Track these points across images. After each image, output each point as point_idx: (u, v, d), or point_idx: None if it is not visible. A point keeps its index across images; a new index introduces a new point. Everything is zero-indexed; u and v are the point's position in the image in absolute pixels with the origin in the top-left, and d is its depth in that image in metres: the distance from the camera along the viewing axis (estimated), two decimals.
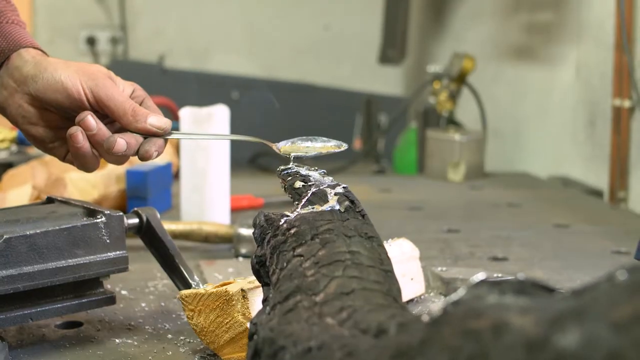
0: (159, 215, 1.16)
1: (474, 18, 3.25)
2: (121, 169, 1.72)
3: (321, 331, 0.72)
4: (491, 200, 2.07)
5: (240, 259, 1.48)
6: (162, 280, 1.33)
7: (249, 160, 2.73)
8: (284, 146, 1.05)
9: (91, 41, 3.57)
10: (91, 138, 1.02)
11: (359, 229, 0.87)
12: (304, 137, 1.05)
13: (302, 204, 0.91)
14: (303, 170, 0.98)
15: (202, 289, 1.00)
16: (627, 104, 2.26)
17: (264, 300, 0.87)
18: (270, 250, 0.88)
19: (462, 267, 1.38)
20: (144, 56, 3.55)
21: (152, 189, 1.73)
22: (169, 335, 1.09)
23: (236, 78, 3.42)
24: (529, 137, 2.88)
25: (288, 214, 0.89)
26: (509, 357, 0.50)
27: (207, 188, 1.64)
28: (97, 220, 1.04)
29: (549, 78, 2.76)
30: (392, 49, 3.36)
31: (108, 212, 1.05)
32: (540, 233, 1.69)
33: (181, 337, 1.08)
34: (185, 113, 1.61)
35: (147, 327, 1.12)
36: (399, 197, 2.10)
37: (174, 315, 1.17)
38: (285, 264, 0.85)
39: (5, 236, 0.97)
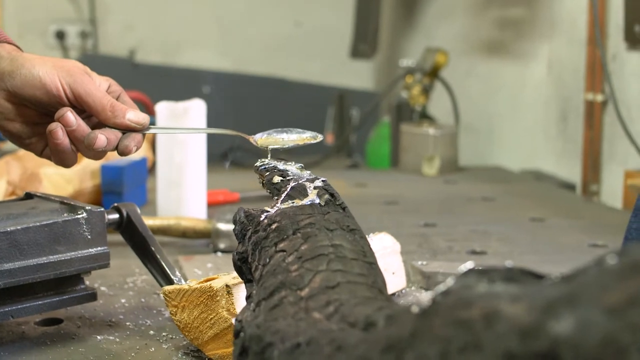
0: (139, 211, 1.15)
1: (446, 13, 3.26)
2: (96, 164, 1.71)
3: (308, 326, 0.71)
4: (466, 194, 2.08)
5: (219, 254, 1.47)
6: (140, 276, 1.32)
7: (221, 154, 2.71)
8: (260, 138, 1.05)
9: (60, 35, 3.52)
10: (70, 134, 1.02)
11: (340, 222, 0.87)
12: (279, 129, 1.05)
13: (281, 199, 0.91)
14: (281, 165, 0.98)
15: (185, 285, 1.00)
16: (599, 98, 2.28)
17: (248, 297, 0.86)
18: (251, 246, 0.87)
19: (442, 261, 1.38)
20: (114, 50, 3.52)
21: (127, 184, 1.72)
22: (151, 332, 1.08)
23: (207, 72, 3.40)
24: (501, 131, 2.90)
25: (268, 209, 0.89)
26: (502, 345, 0.50)
27: (184, 183, 1.63)
28: (78, 216, 1.03)
29: (521, 73, 2.77)
30: (363, 43, 3.36)
31: (89, 207, 1.04)
32: (516, 227, 1.70)
33: (163, 334, 1.07)
34: (162, 107, 1.60)
35: (128, 323, 1.11)
36: (375, 192, 2.10)
37: (154, 311, 1.16)
38: (267, 260, 0.85)
39: None
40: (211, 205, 1.78)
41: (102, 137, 1.01)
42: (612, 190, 2.24)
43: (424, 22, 3.44)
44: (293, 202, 0.90)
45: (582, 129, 2.37)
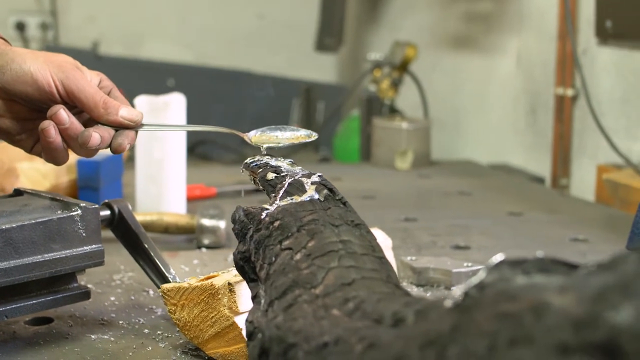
0: (130, 207, 1.13)
1: (411, 6, 3.26)
2: (72, 159, 1.68)
3: (332, 325, 0.70)
4: (441, 188, 2.08)
5: (204, 250, 1.45)
6: (126, 273, 1.30)
7: (188, 149, 2.68)
8: (254, 136, 1.03)
9: (20, 27, 3.47)
10: (63, 132, 0.99)
11: (344, 217, 0.87)
12: (273, 127, 1.05)
13: (280, 196, 0.90)
14: (273, 161, 0.97)
15: (185, 283, 0.98)
16: (570, 92, 2.29)
17: (254, 297, 0.85)
18: (254, 245, 0.86)
19: (428, 256, 1.38)
20: (75, 42, 3.46)
21: (104, 179, 1.69)
22: (145, 330, 1.06)
23: (172, 65, 3.36)
24: (469, 125, 2.91)
25: (267, 207, 0.87)
26: (555, 338, 0.49)
27: (164, 178, 1.60)
28: (73, 213, 1.01)
29: (489, 67, 2.79)
30: (329, 36, 3.35)
31: (84, 204, 1.02)
32: (496, 221, 1.70)
33: (158, 332, 1.06)
34: (142, 102, 1.58)
35: (121, 322, 1.09)
36: (350, 186, 2.09)
37: (146, 309, 1.14)
38: (273, 259, 0.83)
39: None
40: (188, 200, 1.76)
41: (96, 136, 0.99)
42: (583, 184, 2.26)
43: (388, 15, 3.44)
44: (292, 199, 0.89)
45: (552, 123, 2.39)
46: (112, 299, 1.19)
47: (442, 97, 2.96)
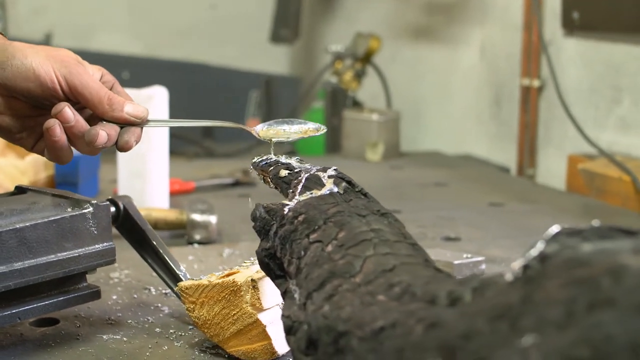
0: (135, 203, 1.10)
1: None
2: None
3: (383, 310, 0.69)
4: (415, 179, 2.08)
5: (196, 245, 1.43)
6: (122, 271, 1.27)
7: None
8: (261, 130, 1.02)
9: None
10: (68, 130, 0.96)
11: (368, 207, 0.86)
12: (280, 120, 1.03)
13: (299, 191, 0.89)
14: (283, 158, 0.96)
15: (205, 280, 0.96)
16: (536, 83, 2.32)
17: (284, 293, 0.84)
18: (279, 241, 0.85)
19: (426, 248, 1.37)
20: (25, 34, 3.38)
21: (82, 175, 1.66)
22: (157, 329, 1.04)
23: (125, 58, 3.31)
24: (431, 116, 2.91)
25: (287, 202, 0.87)
26: (637, 298, 0.50)
27: (148, 173, 1.58)
28: (85, 211, 0.98)
29: (451, 58, 2.79)
30: (285, 28, 3.33)
31: (94, 201, 1.00)
32: (479, 212, 1.71)
33: (171, 330, 1.04)
34: None
35: (129, 321, 1.07)
36: None
37: (152, 308, 1.12)
38: (302, 252, 0.82)
39: None
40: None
41: (103, 134, 0.96)
42: (549, 174, 2.29)
43: (344, 7, 3.43)
44: (311, 193, 0.88)
45: (517, 114, 2.41)
46: (115, 297, 1.16)
47: (401, 88, 2.95)
